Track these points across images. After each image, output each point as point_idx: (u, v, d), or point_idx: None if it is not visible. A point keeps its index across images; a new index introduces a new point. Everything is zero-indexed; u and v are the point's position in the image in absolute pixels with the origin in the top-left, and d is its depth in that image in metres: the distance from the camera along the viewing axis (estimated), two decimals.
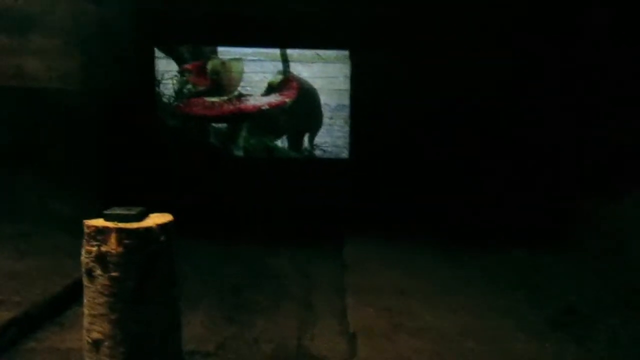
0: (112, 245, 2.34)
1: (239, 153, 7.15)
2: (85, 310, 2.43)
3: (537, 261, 4.84)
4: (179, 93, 7.03)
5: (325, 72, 7.02)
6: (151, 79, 6.92)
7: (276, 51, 6.99)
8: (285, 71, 7.03)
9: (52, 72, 6.56)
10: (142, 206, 2.57)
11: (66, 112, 6.24)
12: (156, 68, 6.94)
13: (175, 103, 7.05)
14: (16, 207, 5.45)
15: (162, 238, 2.44)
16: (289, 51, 6.98)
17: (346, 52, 6.94)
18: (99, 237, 2.35)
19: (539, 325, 3.45)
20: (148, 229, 2.39)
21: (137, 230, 2.36)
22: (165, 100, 7.04)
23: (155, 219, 2.51)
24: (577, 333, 3.29)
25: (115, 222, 2.39)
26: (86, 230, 2.38)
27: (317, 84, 7.04)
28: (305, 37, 6.84)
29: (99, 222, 2.40)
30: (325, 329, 3.80)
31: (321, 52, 6.97)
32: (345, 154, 7.14)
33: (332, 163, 7.10)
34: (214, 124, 7.12)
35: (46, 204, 4.95)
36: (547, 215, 5.81)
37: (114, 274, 2.33)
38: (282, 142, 7.14)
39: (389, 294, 4.03)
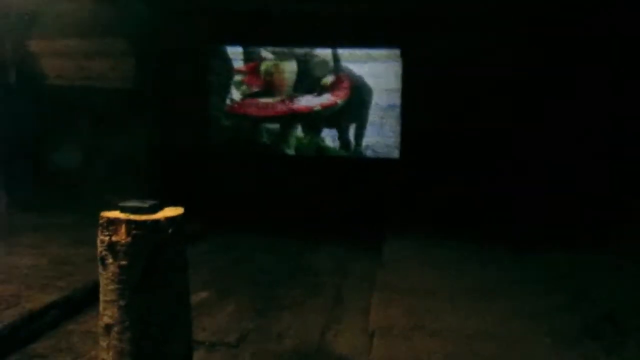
0: (121, 235, 2.47)
1: (291, 152, 7.27)
2: (100, 297, 2.59)
3: (578, 265, 4.57)
4: (232, 93, 7.26)
5: (376, 71, 6.99)
6: (206, 80, 7.19)
7: (328, 51, 7.04)
8: (337, 71, 7.06)
9: (115, 73, 7.02)
10: (163, 200, 2.70)
11: (124, 110, 6.65)
12: (211, 69, 7.20)
13: (229, 104, 7.29)
14: (77, 199, 5.88)
15: (170, 230, 2.54)
16: (340, 51, 7.01)
17: (397, 51, 6.87)
18: (110, 228, 2.49)
19: (570, 331, 3.26)
20: (156, 221, 2.50)
21: (145, 222, 2.48)
22: (218, 100, 7.29)
23: (166, 212, 2.63)
24: (609, 342, 3.08)
25: (127, 214, 2.53)
26: (100, 220, 2.54)
27: (368, 83, 7.02)
28: (356, 36, 6.85)
29: (112, 214, 2.54)
30: (350, 327, 3.80)
31: (372, 50, 6.94)
32: (396, 154, 7.06)
33: (381, 163, 7.05)
34: (266, 124, 7.28)
35: (103, 197, 5.29)
36: (590, 217, 5.48)
37: (122, 262, 2.47)
38: (333, 142, 7.18)
39: (417, 293, 3.96)
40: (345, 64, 7.04)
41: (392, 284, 4.19)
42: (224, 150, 7.34)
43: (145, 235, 2.48)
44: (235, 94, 7.27)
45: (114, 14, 6.83)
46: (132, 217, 2.51)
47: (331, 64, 7.06)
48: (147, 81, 7.16)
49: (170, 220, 2.56)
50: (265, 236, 6.34)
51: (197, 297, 4.39)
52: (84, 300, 3.89)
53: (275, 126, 7.27)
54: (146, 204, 2.62)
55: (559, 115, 6.38)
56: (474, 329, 3.29)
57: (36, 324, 3.51)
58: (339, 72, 7.06)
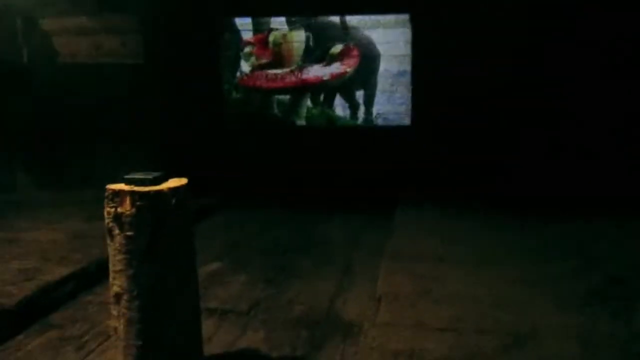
0: (126, 207, 2.52)
1: (301, 123, 7.26)
2: (110, 267, 2.66)
3: (598, 232, 4.52)
4: (242, 66, 7.24)
5: (385, 38, 6.89)
6: (216, 53, 7.18)
7: (336, 19, 6.95)
8: (346, 39, 6.98)
9: (126, 49, 7.05)
10: (163, 172, 2.73)
11: (138, 86, 6.70)
12: (220, 42, 7.17)
13: (239, 76, 7.27)
14: (95, 175, 5.99)
15: (174, 201, 2.59)
16: (349, 18, 6.91)
17: (406, 16, 6.75)
18: (115, 199, 2.55)
19: (579, 297, 3.26)
20: (159, 192, 2.55)
21: (148, 193, 2.53)
22: (229, 73, 7.28)
23: (169, 184, 2.67)
24: (616, 307, 3.07)
25: (132, 186, 2.58)
26: (106, 193, 2.59)
27: (378, 50, 6.94)
28: (365, 2, 6.75)
29: (117, 186, 2.59)
30: (358, 294, 3.85)
31: (381, 17, 6.83)
32: (407, 121, 7.01)
33: (392, 131, 7.01)
34: (276, 96, 7.26)
35: (119, 172, 5.40)
36: (614, 185, 5.41)
37: (128, 233, 2.53)
38: (344, 112, 7.14)
39: (426, 260, 3.98)
40: (354, 32, 6.95)
41: (401, 251, 4.21)
42: (235, 123, 7.36)
43: (149, 206, 2.52)
44: (245, 66, 7.25)
45: None
46: (136, 188, 2.55)
47: (340, 32, 6.98)
48: (158, 56, 7.19)
49: (173, 190, 2.60)
50: (279, 209, 6.41)
51: (210, 268, 4.49)
52: (100, 272, 3.97)
53: (285, 97, 7.25)
54: (150, 176, 2.66)
55: (578, 83, 6.23)
56: (480, 294, 3.31)
57: (54, 295, 3.64)
58: (348, 41, 6.98)
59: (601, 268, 3.67)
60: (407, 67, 6.90)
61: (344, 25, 6.94)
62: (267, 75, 7.21)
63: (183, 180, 2.76)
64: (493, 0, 6.27)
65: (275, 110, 7.30)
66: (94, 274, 3.93)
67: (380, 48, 6.92)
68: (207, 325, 3.40)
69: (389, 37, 6.88)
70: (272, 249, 5.00)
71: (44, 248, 4.36)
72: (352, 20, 6.92)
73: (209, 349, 3.10)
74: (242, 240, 5.31)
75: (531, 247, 4.25)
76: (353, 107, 7.08)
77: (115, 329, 2.65)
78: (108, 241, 2.63)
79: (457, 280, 3.57)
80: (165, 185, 2.63)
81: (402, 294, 3.37)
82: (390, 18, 6.82)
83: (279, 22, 7.09)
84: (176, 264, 2.63)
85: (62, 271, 3.82)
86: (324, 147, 7.07)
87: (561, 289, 3.39)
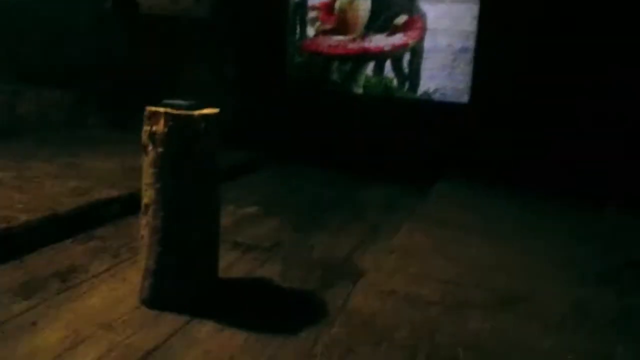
0: (160, 126, 2.79)
1: (359, 91, 7.36)
2: (142, 180, 2.95)
3: (630, 220, 4.39)
4: (306, 30, 7.42)
5: (451, 13, 6.82)
6: (282, 15, 7.39)
7: None
8: (411, 11, 6.97)
9: (199, 6, 7.42)
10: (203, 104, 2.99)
11: (207, 41, 7.07)
12: (287, 4, 7.38)
13: (302, 40, 7.46)
14: None
15: (202, 125, 2.83)
16: None
17: None
18: (152, 119, 2.82)
19: (586, 274, 3.23)
20: (189, 116, 2.80)
21: (179, 115, 2.79)
22: (292, 36, 7.49)
23: (202, 111, 2.91)
24: (623, 286, 3.03)
25: (168, 109, 2.84)
26: (145, 113, 2.87)
27: (442, 24, 6.88)
28: None
29: (155, 108, 2.86)
30: (379, 249, 3.97)
31: None
32: (465, 99, 6.94)
33: (449, 107, 6.96)
34: (337, 62, 7.39)
35: None
36: None
37: (159, 149, 2.80)
38: (401, 83, 7.17)
39: (448, 226, 4.04)
40: (421, 4, 6.93)
41: (427, 216, 4.28)
42: (296, 86, 7.58)
43: (180, 127, 2.78)
44: (309, 31, 7.42)
45: None
46: (170, 111, 2.81)
47: (406, 3, 6.97)
48: (228, 15, 7.49)
49: (203, 117, 2.84)
50: (326, 170, 6.61)
51: (246, 211, 4.77)
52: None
53: (345, 65, 7.37)
54: (186, 103, 2.92)
55: None
56: (491, 260, 3.35)
57: (101, 212, 4.03)
58: (413, 12, 6.97)
59: (624, 253, 3.60)
60: (471, 43, 6.81)
61: None
62: (330, 42, 7.35)
63: (215, 110, 3.00)
64: None
65: (335, 77, 7.44)
66: (139, 200, 4.28)
67: (446, 23, 6.87)
68: (230, 256, 3.67)
69: (454, 12, 6.81)
70: (309, 203, 5.20)
71: (100, 174, 4.78)
72: None
73: (228, 273, 3.36)
74: (283, 192, 5.57)
75: (561, 229, 4.19)
76: (411, 79, 7.09)
77: (142, 236, 2.95)
78: (143, 157, 2.92)
79: (474, 246, 3.62)
80: (197, 112, 2.87)
81: (415, 250, 3.47)
82: None
83: None
84: (199, 182, 2.88)
85: (111, 192, 4.21)
86: (378, 117, 7.15)
87: (575, 266, 3.37)
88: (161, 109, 2.82)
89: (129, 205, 4.17)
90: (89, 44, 7.51)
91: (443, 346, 2.21)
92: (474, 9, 6.71)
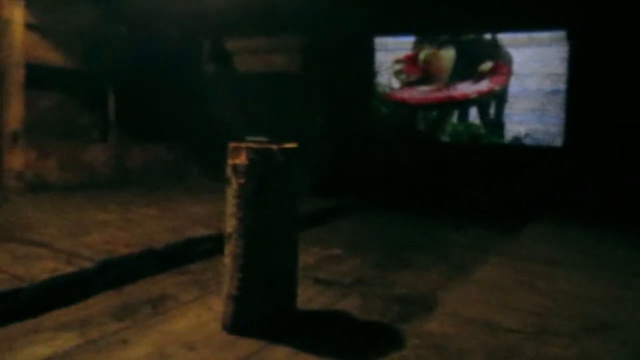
0: (242, 159, 3.00)
1: (445, 139, 7.34)
2: (226, 210, 3.15)
3: None
4: (391, 82, 7.61)
5: (539, 56, 6.72)
6: (368, 69, 7.67)
7: (487, 36, 6.99)
8: (496, 56, 6.96)
9: (292, 64, 7.92)
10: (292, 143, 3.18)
11: (300, 96, 7.52)
12: (373, 59, 7.66)
13: (388, 91, 7.65)
14: None
15: (280, 158, 2.99)
16: (500, 36, 6.90)
17: (563, 33, 6.52)
18: (235, 153, 3.04)
19: None
20: (268, 149, 2.98)
21: (259, 148, 2.98)
22: (380, 89, 7.71)
23: (280, 145, 3.09)
24: None
25: (249, 144, 3.05)
26: (229, 148, 3.10)
27: (530, 68, 6.78)
28: (518, 19, 6.68)
29: (238, 144, 3.09)
30: (463, 286, 3.85)
31: (535, 34, 6.70)
32: (558, 142, 6.68)
33: (541, 151, 6.73)
34: (423, 111, 7.47)
35: None
36: None
37: (241, 181, 2.99)
38: (489, 129, 7.07)
39: (538, 262, 3.84)
40: (506, 49, 6.90)
41: (515, 252, 4.11)
42: (382, 135, 7.72)
43: (259, 159, 2.97)
44: (394, 82, 7.61)
45: (291, 14, 7.72)
46: (251, 145, 3.02)
47: (490, 49, 6.98)
48: (317, 72, 7.91)
49: (281, 150, 3.02)
50: (411, 214, 6.60)
51: (330, 252, 4.84)
52: None
53: (431, 113, 7.43)
54: (266, 139, 3.13)
55: None
56: (581, 293, 3.13)
57: (193, 249, 4.29)
58: (498, 58, 6.94)
59: None
60: (562, 85, 6.63)
61: (495, 42, 6.94)
62: (415, 92, 7.48)
63: (293, 144, 3.17)
64: None
65: (421, 125, 7.50)
66: None
67: (533, 66, 6.77)
68: (311, 291, 3.73)
69: (542, 55, 6.70)
70: (393, 244, 5.19)
71: (194, 217, 5.12)
72: (505, 37, 6.89)
73: (307, 305, 3.42)
74: (368, 235, 5.61)
75: None
76: (499, 124, 6.98)
77: (225, 264, 3.11)
78: (227, 188, 3.12)
79: (560, 279, 3.41)
80: (275, 145, 3.05)
81: (500, 282, 3.33)
82: (544, 35, 6.65)
83: (429, 41, 7.35)
84: (278, 213, 3.01)
85: (203, 232, 4.48)
86: (465, 163, 7.06)
87: None
88: (243, 144, 3.04)
89: (220, 243, 4.40)
90: (192, 103, 8.24)
91: None
92: (562, 51, 6.58)
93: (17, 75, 6.09)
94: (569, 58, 6.54)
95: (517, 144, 6.89)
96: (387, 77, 7.67)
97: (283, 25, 7.74)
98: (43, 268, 3.37)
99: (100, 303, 3.34)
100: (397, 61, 7.56)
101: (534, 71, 6.76)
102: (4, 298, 2.97)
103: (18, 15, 6.06)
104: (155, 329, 2.98)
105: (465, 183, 6.92)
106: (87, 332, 2.89)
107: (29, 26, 6.30)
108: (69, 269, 3.39)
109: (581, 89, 6.47)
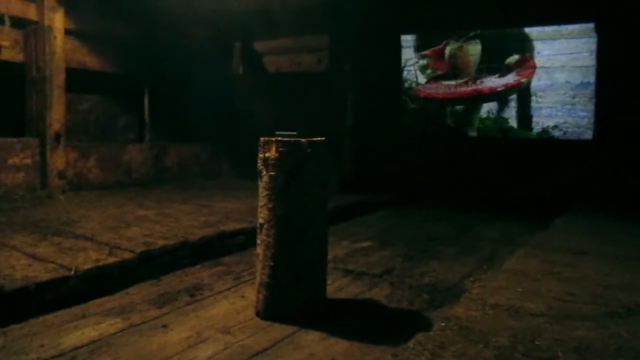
0: (272, 152, 3.13)
1: (473, 133, 7.35)
2: (258, 202, 3.29)
3: None
4: (418, 77, 7.66)
5: (567, 48, 6.67)
6: (395, 65, 7.73)
7: (514, 30, 6.98)
8: (524, 50, 6.93)
9: (320, 63, 8.05)
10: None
11: (327, 95, 7.65)
12: (400, 55, 7.72)
13: (415, 87, 7.70)
14: None
15: (309, 150, 3.12)
16: (527, 29, 6.87)
17: (591, 25, 6.46)
18: (265, 147, 3.18)
19: None
20: (297, 142, 3.11)
21: (288, 141, 3.11)
22: (407, 85, 7.76)
23: (309, 138, 3.21)
24: None
25: (278, 137, 3.19)
26: (259, 143, 3.24)
27: (558, 61, 6.74)
28: (545, 12, 6.65)
29: (269, 138, 3.22)
30: (491, 275, 3.91)
31: (563, 27, 6.65)
32: (588, 135, 6.62)
33: (571, 144, 6.68)
34: (450, 106, 7.50)
35: None
36: None
37: (272, 173, 3.12)
38: (517, 122, 7.04)
39: (567, 253, 3.84)
40: (534, 42, 6.87)
41: (544, 244, 4.12)
42: (410, 131, 7.78)
43: (289, 152, 3.09)
44: (421, 78, 7.66)
45: (318, 13, 7.85)
46: (281, 138, 3.15)
47: (517, 42, 6.96)
48: (345, 70, 8.01)
49: (309, 142, 3.14)
50: (443, 209, 6.68)
51: (361, 244, 4.95)
52: None
53: (459, 108, 7.44)
54: (297, 133, 3.26)
55: None
56: (609, 281, 3.15)
57: (227, 242, 4.45)
58: (525, 51, 6.92)
59: None
60: (591, 78, 6.57)
61: (522, 36, 6.92)
62: (442, 86, 7.51)
63: (321, 138, 3.29)
64: None
65: (449, 120, 7.53)
66: None
67: (561, 58, 6.72)
68: (341, 281, 3.85)
69: (571, 47, 6.65)
70: (422, 237, 5.26)
71: (227, 212, 5.30)
72: (532, 31, 6.87)
73: (337, 295, 3.54)
74: (397, 228, 5.70)
75: None
76: (528, 118, 6.95)
77: (258, 254, 3.25)
78: (259, 181, 3.26)
79: (589, 268, 3.42)
80: (303, 139, 3.18)
81: (527, 272, 3.37)
82: (573, 27, 6.60)
83: (456, 35, 7.36)
84: (308, 203, 3.14)
85: (235, 225, 4.65)
86: (494, 157, 7.06)
87: None
88: (273, 138, 3.18)
89: (253, 237, 4.55)
90: (223, 104, 8.45)
91: (542, 349, 2.16)
92: (591, 42, 6.52)
93: (58, 80, 6.40)
94: (598, 50, 6.48)
95: (547, 137, 6.86)
96: (413, 73, 7.72)
97: (312, 26, 7.87)
98: (87, 259, 3.58)
99: (140, 292, 3.53)
100: (424, 56, 7.60)
101: (562, 64, 6.72)
102: (53, 285, 3.18)
103: (59, 22, 6.37)
104: (193, 315, 3.14)
105: (494, 177, 6.92)
106: (129, 317, 3.08)
107: (68, 32, 6.61)
108: (111, 260, 3.59)
109: (611, 81, 6.40)
